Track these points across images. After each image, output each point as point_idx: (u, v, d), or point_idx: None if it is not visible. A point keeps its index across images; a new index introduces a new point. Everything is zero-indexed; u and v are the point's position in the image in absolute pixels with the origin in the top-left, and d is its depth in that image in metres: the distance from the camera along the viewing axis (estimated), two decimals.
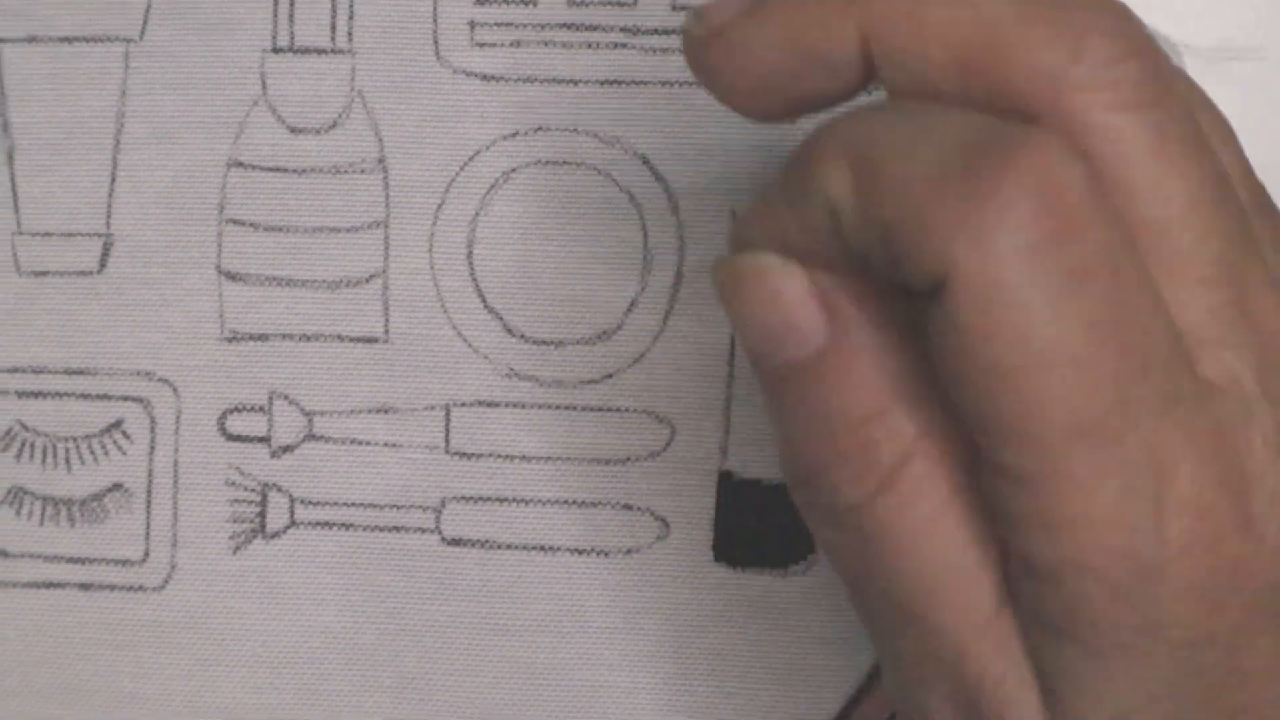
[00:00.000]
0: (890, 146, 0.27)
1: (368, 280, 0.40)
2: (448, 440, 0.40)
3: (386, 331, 0.40)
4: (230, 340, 0.40)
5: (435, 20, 0.39)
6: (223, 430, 0.40)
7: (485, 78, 0.39)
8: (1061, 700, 0.28)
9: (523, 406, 0.40)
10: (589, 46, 0.39)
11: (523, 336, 0.39)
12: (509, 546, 0.40)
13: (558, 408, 0.40)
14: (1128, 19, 0.27)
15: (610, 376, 0.39)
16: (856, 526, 0.29)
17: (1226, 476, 0.27)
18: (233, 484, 0.40)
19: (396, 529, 0.40)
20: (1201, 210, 0.27)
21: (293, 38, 0.39)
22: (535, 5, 0.39)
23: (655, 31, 0.39)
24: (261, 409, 0.40)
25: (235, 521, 0.40)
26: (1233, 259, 0.27)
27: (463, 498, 0.40)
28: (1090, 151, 0.27)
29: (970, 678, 0.29)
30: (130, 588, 0.40)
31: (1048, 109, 0.27)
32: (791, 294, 0.29)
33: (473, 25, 0.39)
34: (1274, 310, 0.28)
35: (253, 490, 0.40)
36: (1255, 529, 0.27)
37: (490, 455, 0.40)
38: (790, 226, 0.29)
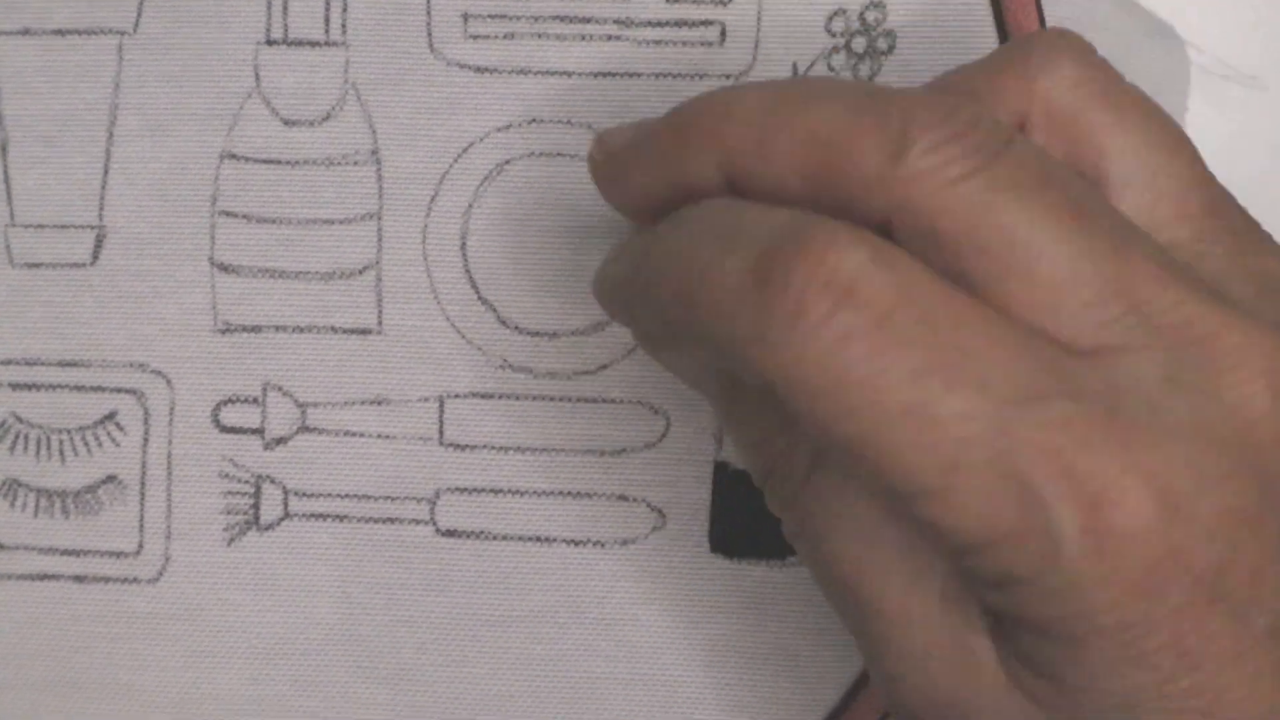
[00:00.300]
0: (700, 269, 0.29)
1: (361, 272, 0.40)
2: (442, 431, 0.40)
3: (380, 323, 0.40)
4: (223, 332, 0.40)
5: (429, 12, 0.39)
6: (216, 422, 0.40)
7: (479, 70, 0.39)
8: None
9: (517, 398, 0.40)
10: (582, 39, 0.39)
11: (516, 328, 0.39)
12: (504, 538, 0.40)
13: (552, 399, 0.40)
14: (948, 106, 0.29)
15: (605, 367, 0.39)
16: (795, 519, 0.32)
17: (1132, 462, 0.27)
18: (226, 476, 0.40)
19: (391, 520, 0.40)
20: (1063, 242, 0.28)
21: (286, 30, 0.39)
22: None
23: (648, 23, 0.39)
24: (255, 401, 0.40)
25: (229, 513, 0.40)
26: (1110, 273, 0.28)
27: (457, 489, 0.40)
28: (941, 230, 0.28)
29: (918, 653, 0.31)
30: (125, 580, 0.40)
31: (887, 204, 0.29)
32: None
33: (466, 17, 0.39)
34: (1173, 305, 0.28)
35: (246, 482, 0.40)
36: (1183, 513, 0.27)
37: (484, 446, 0.40)
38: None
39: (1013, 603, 0.28)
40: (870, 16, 0.39)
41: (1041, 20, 0.38)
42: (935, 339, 0.27)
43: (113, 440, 0.40)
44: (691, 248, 0.29)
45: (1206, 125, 0.39)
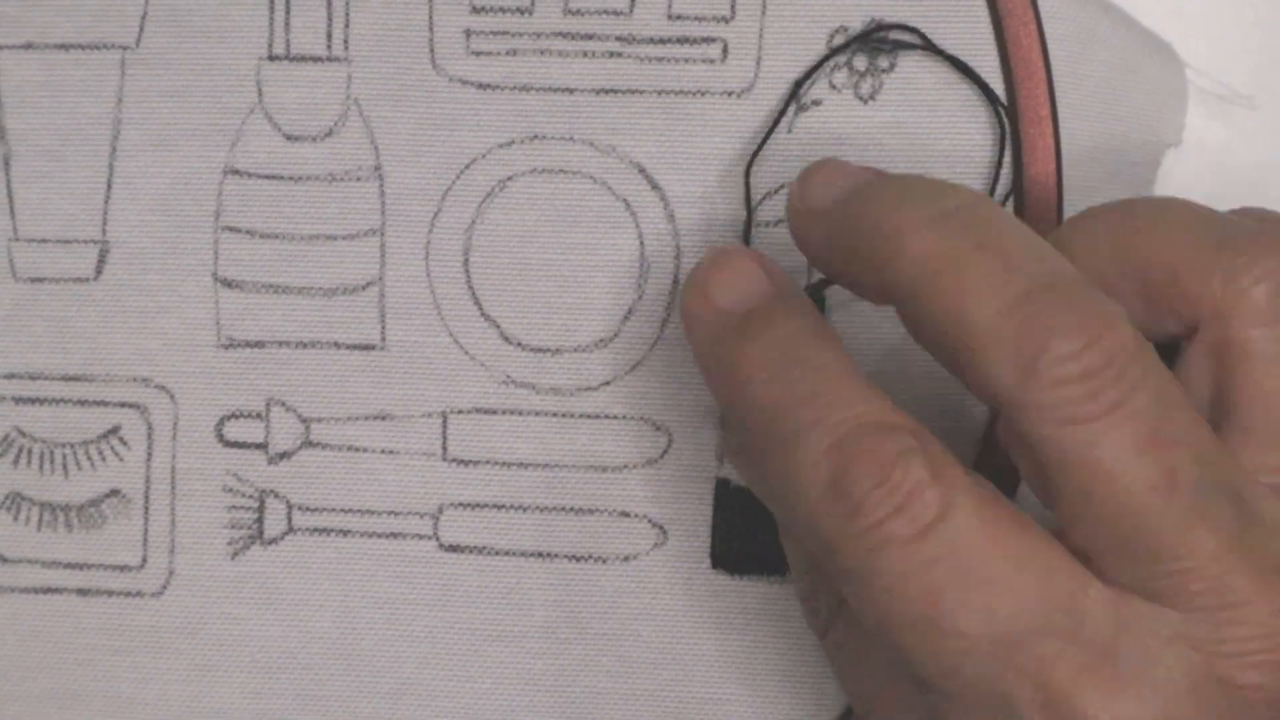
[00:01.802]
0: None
1: (364, 288, 0.40)
2: (445, 447, 0.40)
3: (383, 339, 0.40)
4: (227, 347, 0.40)
5: (431, 28, 0.39)
6: (220, 437, 0.40)
7: (481, 86, 0.39)
8: None
9: (520, 414, 0.40)
10: (584, 55, 0.39)
11: (519, 344, 0.40)
12: (506, 553, 0.40)
13: (555, 415, 0.40)
14: (1091, 329, 0.30)
15: (607, 384, 0.40)
16: None
17: (1114, 701, 0.29)
18: (230, 490, 0.40)
19: (394, 535, 0.40)
20: (1142, 511, 0.30)
21: (289, 45, 0.39)
22: (531, 14, 0.39)
23: (651, 40, 0.39)
24: (259, 415, 0.40)
25: (233, 528, 0.40)
26: (1170, 541, 0.30)
27: (460, 504, 0.40)
28: (1040, 453, 0.30)
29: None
30: (128, 593, 0.40)
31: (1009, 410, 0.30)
32: None
33: (468, 34, 0.39)
34: (1220, 575, 0.30)
35: (250, 497, 0.40)
36: None
37: (487, 462, 0.40)
38: None
39: None
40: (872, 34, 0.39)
41: (1042, 39, 0.38)
42: (956, 562, 0.29)
43: (116, 454, 0.40)
44: (785, 397, 0.32)
45: (1203, 142, 0.40)
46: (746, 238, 0.39)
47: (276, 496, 0.40)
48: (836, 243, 0.34)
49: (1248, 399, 0.32)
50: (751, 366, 0.33)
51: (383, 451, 0.40)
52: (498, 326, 0.40)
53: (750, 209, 0.39)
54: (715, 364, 0.34)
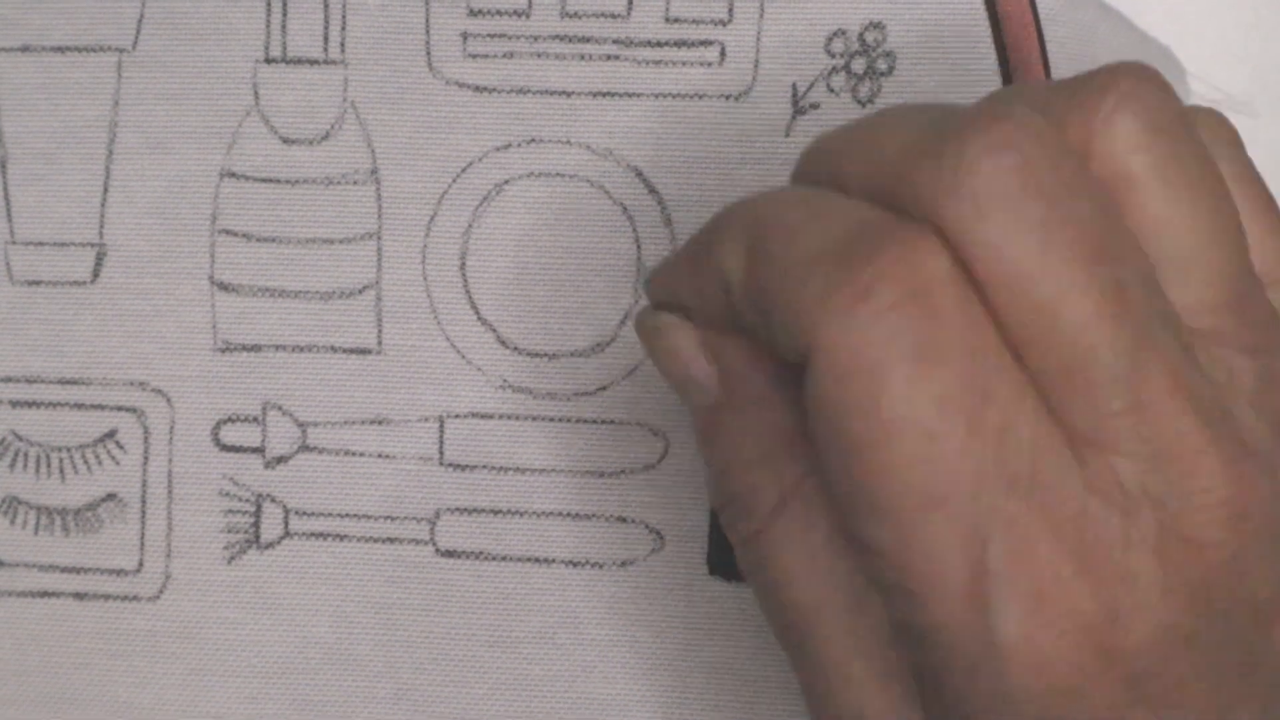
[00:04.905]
0: (781, 230, 0.29)
1: (360, 291, 0.40)
2: (442, 452, 0.40)
3: (380, 343, 0.40)
4: (223, 351, 0.40)
5: (428, 31, 0.39)
6: (216, 441, 0.40)
7: (478, 89, 0.39)
8: None
9: (516, 418, 0.40)
10: (582, 58, 0.39)
11: (516, 348, 0.40)
12: (503, 558, 0.40)
13: (552, 420, 0.40)
14: (1014, 117, 0.28)
15: (604, 388, 0.39)
16: (752, 558, 0.33)
17: (1087, 567, 0.27)
18: (227, 494, 0.40)
19: (391, 540, 0.40)
20: (1096, 320, 0.28)
21: (285, 48, 0.39)
22: (528, 17, 0.39)
23: (648, 43, 0.39)
24: (255, 420, 0.40)
25: (229, 532, 0.40)
26: (1127, 365, 0.28)
27: (457, 509, 0.40)
28: (981, 267, 0.28)
29: (851, 713, 0.31)
30: (125, 597, 0.40)
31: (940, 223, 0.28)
32: (686, 351, 0.33)
33: (465, 36, 0.39)
34: (1172, 415, 0.28)
35: (247, 501, 0.40)
36: (1121, 622, 0.27)
37: (484, 467, 0.40)
38: (690, 289, 0.32)
39: (931, 663, 0.28)
40: (870, 37, 0.39)
41: (1041, 42, 0.38)
42: (976, 376, 0.27)
43: (113, 458, 0.40)
44: (789, 205, 0.30)
45: None
46: None
47: (273, 501, 0.40)
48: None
49: None
50: (741, 212, 0.31)
51: (379, 456, 0.40)
52: (495, 331, 0.39)
53: None
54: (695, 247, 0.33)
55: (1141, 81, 0.30)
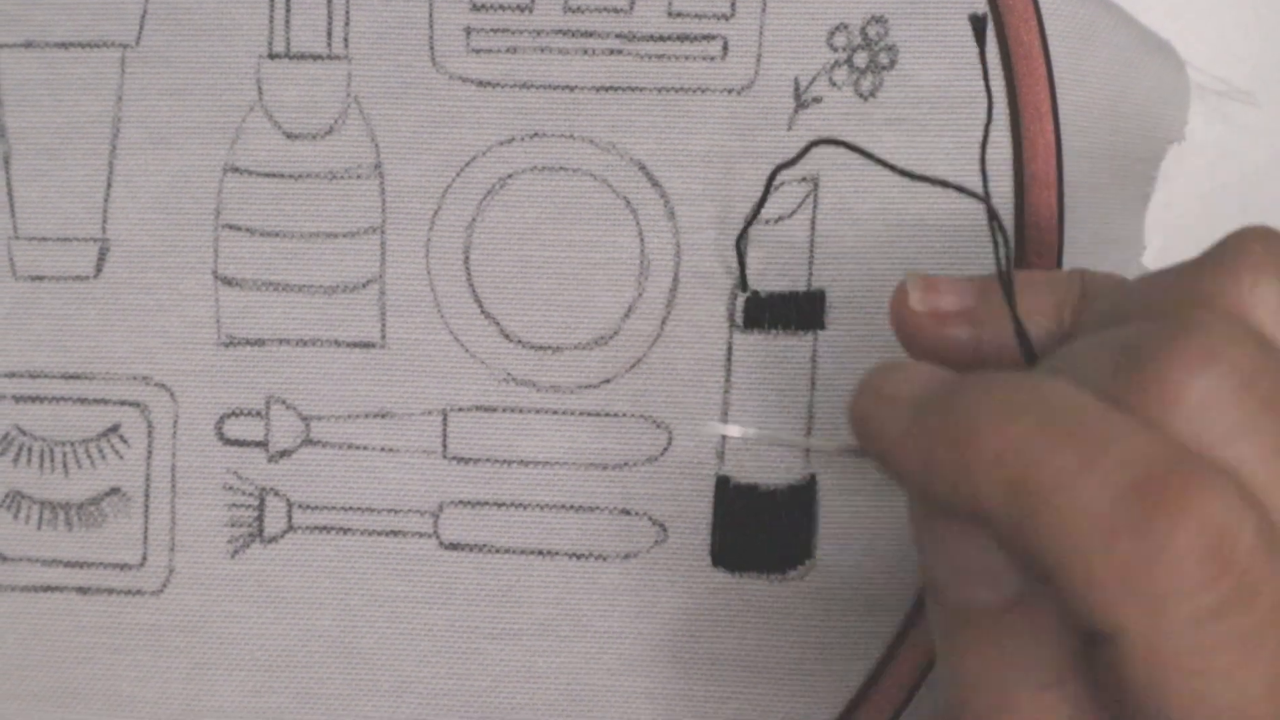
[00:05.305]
0: (1054, 474, 0.25)
1: (364, 285, 0.40)
2: (445, 445, 0.40)
3: (383, 336, 0.40)
4: (227, 345, 0.40)
5: (431, 26, 0.39)
6: (220, 435, 0.40)
7: (481, 84, 0.39)
8: None
9: (520, 411, 0.40)
10: (585, 53, 0.39)
11: (520, 341, 0.40)
12: (507, 551, 0.40)
13: (555, 413, 0.40)
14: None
15: (608, 381, 0.40)
16: None
17: None
18: (230, 488, 0.40)
19: (394, 533, 0.40)
20: None
21: (289, 43, 0.40)
22: (531, 11, 0.39)
23: (651, 38, 0.39)
24: (259, 414, 0.40)
25: (233, 526, 0.40)
26: None
27: (460, 502, 0.40)
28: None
29: None
30: (128, 591, 0.40)
31: None
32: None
33: (468, 31, 0.39)
34: None
35: (250, 495, 0.40)
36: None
37: (488, 460, 0.40)
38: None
39: None
40: (872, 31, 0.39)
41: (1043, 36, 0.38)
42: None
43: (116, 453, 0.40)
44: (1030, 438, 0.26)
45: (1204, 138, 0.40)
46: (743, 283, 0.39)
47: (276, 494, 0.40)
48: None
49: None
50: (977, 421, 0.27)
51: (383, 449, 0.40)
52: (498, 324, 0.40)
53: (744, 276, 0.39)
54: (918, 439, 0.28)
55: (1267, 244, 0.28)
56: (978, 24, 0.33)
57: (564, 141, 0.39)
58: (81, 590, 0.40)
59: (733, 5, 0.39)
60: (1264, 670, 0.24)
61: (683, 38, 0.39)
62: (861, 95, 0.39)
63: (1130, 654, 0.25)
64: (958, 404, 0.27)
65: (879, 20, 0.39)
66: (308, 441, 0.40)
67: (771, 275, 0.39)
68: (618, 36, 0.39)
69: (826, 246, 0.39)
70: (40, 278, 0.40)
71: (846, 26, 0.39)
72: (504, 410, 0.40)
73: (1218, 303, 0.27)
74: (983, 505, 0.26)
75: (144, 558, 0.40)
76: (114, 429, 0.40)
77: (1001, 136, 0.39)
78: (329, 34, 0.39)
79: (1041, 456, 0.25)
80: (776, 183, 0.39)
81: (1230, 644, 0.24)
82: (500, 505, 0.40)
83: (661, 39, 0.39)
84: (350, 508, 0.40)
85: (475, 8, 0.39)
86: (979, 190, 0.33)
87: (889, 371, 0.30)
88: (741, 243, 0.39)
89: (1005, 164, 0.39)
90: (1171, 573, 0.24)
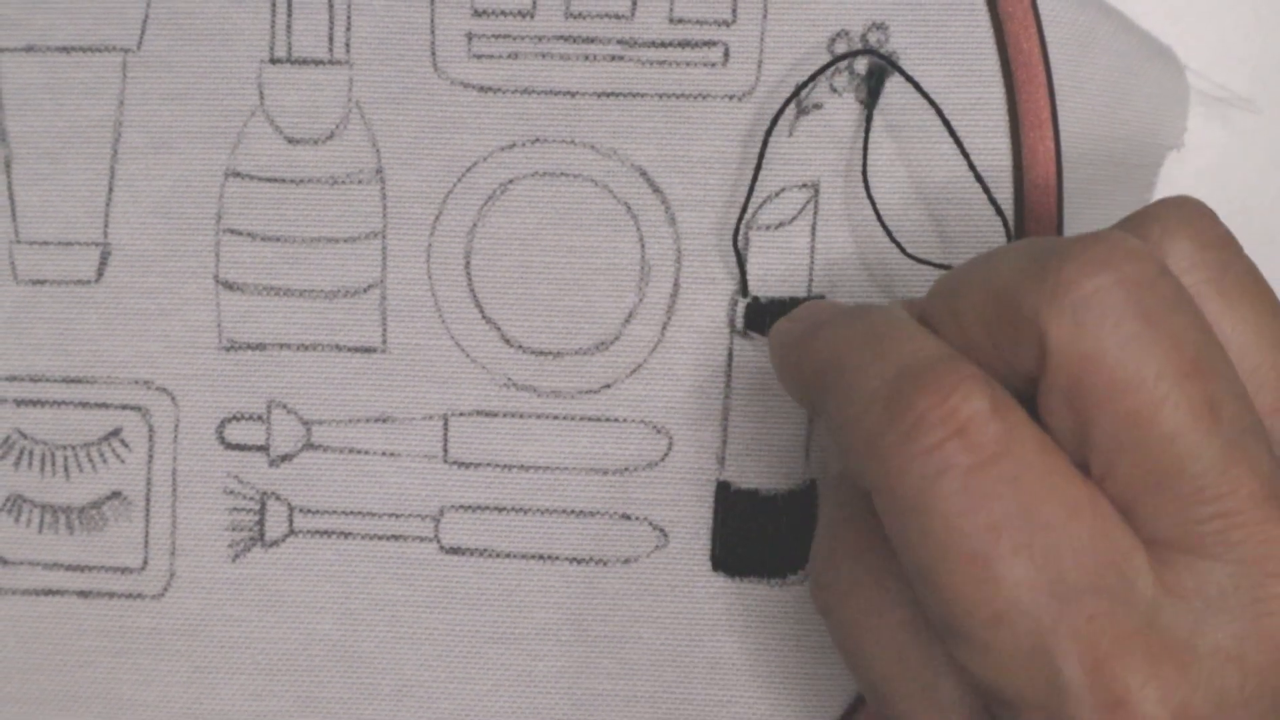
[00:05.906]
0: (854, 364, 0.32)
1: (365, 290, 0.40)
2: (446, 450, 0.40)
3: (384, 341, 0.40)
4: (228, 349, 0.40)
5: (433, 31, 0.39)
6: (221, 439, 0.40)
7: (482, 89, 0.39)
8: None
9: (521, 416, 0.40)
10: (586, 59, 0.39)
11: (520, 347, 0.40)
12: (507, 555, 0.40)
13: (556, 418, 0.40)
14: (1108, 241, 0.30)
15: (608, 387, 0.40)
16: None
17: (1160, 673, 0.28)
18: (231, 492, 0.40)
19: (395, 538, 0.40)
20: (1187, 432, 0.29)
21: (290, 48, 0.40)
22: (532, 17, 0.39)
23: (652, 44, 0.39)
24: (260, 418, 0.40)
25: (234, 530, 0.40)
26: (1216, 475, 0.29)
27: (461, 506, 0.40)
28: (1073, 377, 0.29)
29: None
30: (129, 595, 0.40)
31: (1041, 346, 0.30)
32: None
33: (470, 37, 0.39)
34: (1259, 523, 0.29)
35: (251, 499, 0.40)
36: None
37: (488, 465, 0.40)
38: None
39: None
40: (872, 38, 0.39)
41: (1043, 43, 0.38)
42: (1019, 500, 0.29)
43: (117, 456, 0.40)
44: (850, 342, 0.32)
45: (1204, 144, 0.40)
46: (744, 288, 0.39)
47: (278, 499, 0.40)
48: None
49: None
50: (827, 333, 0.33)
51: (384, 454, 0.40)
52: (499, 329, 0.40)
53: (745, 282, 0.39)
54: (790, 347, 0.35)
55: (1184, 208, 0.32)
56: (876, 71, 0.38)
57: (565, 147, 0.39)
58: (82, 594, 0.40)
59: (734, 12, 0.39)
60: (980, 518, 0.29)
61: (684, 44, 0.39)
62: (862, 102, 0.39)
63: (879, 505, 0.30)
64: (813, 323, 0.34)
65: (880, 27, 0.39)
66: (309, 446, 0.40)
67: (772, 281, 0.39)
68: (619, 43, 0.39)
69: (827, 253, 0.39)
70: (41, 282, 0.40)
71: (847, 33, 0.39)
72: (505, 415, 0.40)
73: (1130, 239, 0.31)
74: (807, 390, 0.34)
75: (145, 562, 0.40)
76: (115, 433, 0.40)
77: (1001, 144, 0.39)
78: (330, 39, 0.39)
79: (848, 352, 0.32)
80: (776, 189, 0.39)
81: (954, 493, 0.29)
82: (501, 510, 0.40)
83: (663, 45, 0.39)
84: (351, 512, 0.40)
85: (477, 13, 0.39)
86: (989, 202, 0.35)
87: (801, 307, 0.37)
88: (739, 240, 0.39)
89: (1005, 171, 0.39)
90: (901, 432, 0.29)
